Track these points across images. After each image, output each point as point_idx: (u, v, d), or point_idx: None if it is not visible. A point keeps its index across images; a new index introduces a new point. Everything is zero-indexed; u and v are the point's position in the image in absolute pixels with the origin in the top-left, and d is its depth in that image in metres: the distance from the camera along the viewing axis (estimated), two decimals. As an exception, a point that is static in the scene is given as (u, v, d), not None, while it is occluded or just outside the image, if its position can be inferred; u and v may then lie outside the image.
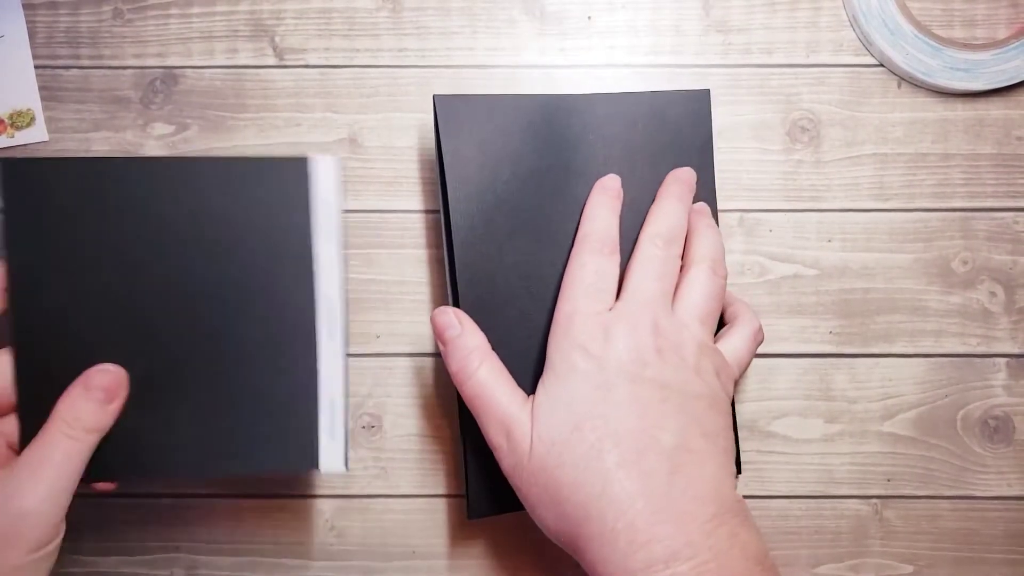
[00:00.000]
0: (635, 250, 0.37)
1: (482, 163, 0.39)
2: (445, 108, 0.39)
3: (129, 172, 0.35)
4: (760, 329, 0.38)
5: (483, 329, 0.37)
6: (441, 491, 0.42)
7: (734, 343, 0.37)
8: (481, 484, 0.38)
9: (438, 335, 0.36)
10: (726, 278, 0.37)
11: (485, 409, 0.34)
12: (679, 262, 0.37)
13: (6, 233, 0.34)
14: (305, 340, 0.36)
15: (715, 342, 0.37)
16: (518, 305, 0.39)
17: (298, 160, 0.35)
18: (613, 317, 0.34)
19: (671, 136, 0.40)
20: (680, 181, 0.39)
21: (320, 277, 0.36)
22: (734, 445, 0.35)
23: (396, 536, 0.42)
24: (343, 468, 0.36)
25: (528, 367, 0.38)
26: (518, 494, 0.34)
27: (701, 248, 0.37)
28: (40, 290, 0.34)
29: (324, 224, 0.36)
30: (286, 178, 0.35)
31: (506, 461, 0.34)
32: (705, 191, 0.41)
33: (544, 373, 0.35)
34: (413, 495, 0.42)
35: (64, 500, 0.32)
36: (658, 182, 0.40)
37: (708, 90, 0.41)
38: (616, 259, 0.37)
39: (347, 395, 0.37)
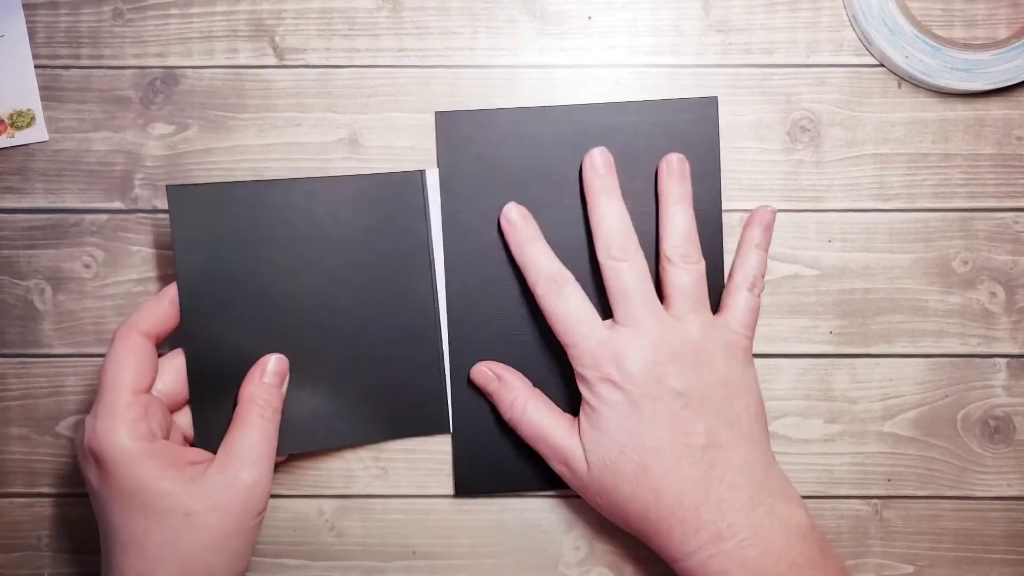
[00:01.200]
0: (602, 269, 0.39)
1: (475, 176, 0.41)
2: (444, 124, 0.41)
3: (276, 191, 0.40)
4: (750, 275, 0.40)
5: (474, 334, 0.41)
6: (441, 491, 0.42)
7: (735, 306, 0.39)
8: (467, 465, 0.42)
9: (483, 390, 0.41)
10: (699, 261, 0.39)
11: (541, 444, 0.39)
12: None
13: (175, 252, 0.38)
14: (431, 325, 0.42)
15: (719, 311, 0.40)
16: (513, 309, 0.41)
17: (415, 173, 0.41)
18: (619, 344, 0.37)
19: (675, 143, 0.41)
20: (673, 176, 0.40)
21: (437, 270, 0.42)
22: (762, 417, 0.39)
23: (396, 536, 0.42)
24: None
25: (527, 368, 0.41)
26: (590, 504, 0.39)
27: (668, 239, 0.39)
28: (204, 299, 0.39)
29: (436, 226, 0.42)
30: (406, 189, 0.41)
31: (572, 483, 0.39)
32: (711, 197, 0.41)
33: (582, 402, 0.38)
34: (413, 495, 0.42)
35: (271, 472, 0.37)
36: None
37: (715, 97, 0.41)
38: (638, 259, 0.39)
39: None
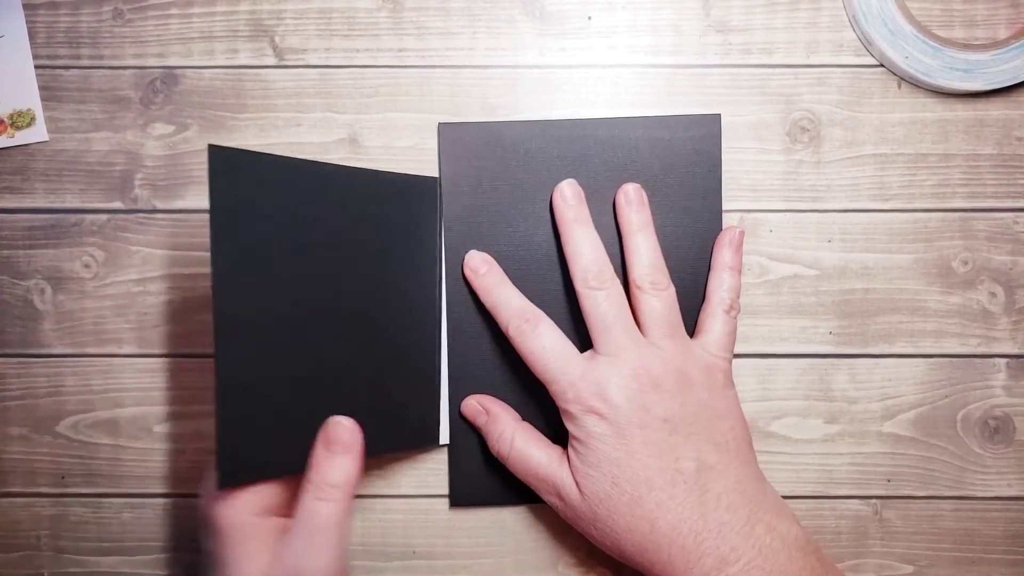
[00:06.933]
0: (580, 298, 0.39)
1: (477, 188, 0.41)
2: (447, 135, 0.41)
3: (314, 174, 0.36)
4: (726, 298, 0.40)
5: (473, 346, 0.41)
6: (441, 491, 0.42)
7: (712, 330, 0.39)
8: (463, 477, 0.42)
9: (472, 423, 0.41)
10: (669, 286, 0.39)
11: (531, 477, 0.39)
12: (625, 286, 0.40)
13: (212, 220, 0.33)
14: (431, 337, 0.41)
15: (696, 334, 0.40)
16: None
17: (432, 179, 0.41)
18: (600, 374, 0.37)
19: (678, 160, 0.41)
20: (632, 205, 0.40)
21: (444, 280, 0.41)
22: (747, 437, 0.38)
23: (396, 536, 0.42)
24: (447, 440, 0.42)
25: (526, 387, 0.41)
26: (585, 536, 0.39)
27: (636, 268, 0.39)
28: (240, 278, 0.34)
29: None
30: (422, 194, 0.41)
31: (566, 515, 0.39)
32: (711, 216, 0.41)
33: (569, 437, 0.38)
34: (413, 495, 0.42)
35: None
36: (662, 206, 0.41)
37: (719, 115, 0.42)
38: (615, 287, 0.38)
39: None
